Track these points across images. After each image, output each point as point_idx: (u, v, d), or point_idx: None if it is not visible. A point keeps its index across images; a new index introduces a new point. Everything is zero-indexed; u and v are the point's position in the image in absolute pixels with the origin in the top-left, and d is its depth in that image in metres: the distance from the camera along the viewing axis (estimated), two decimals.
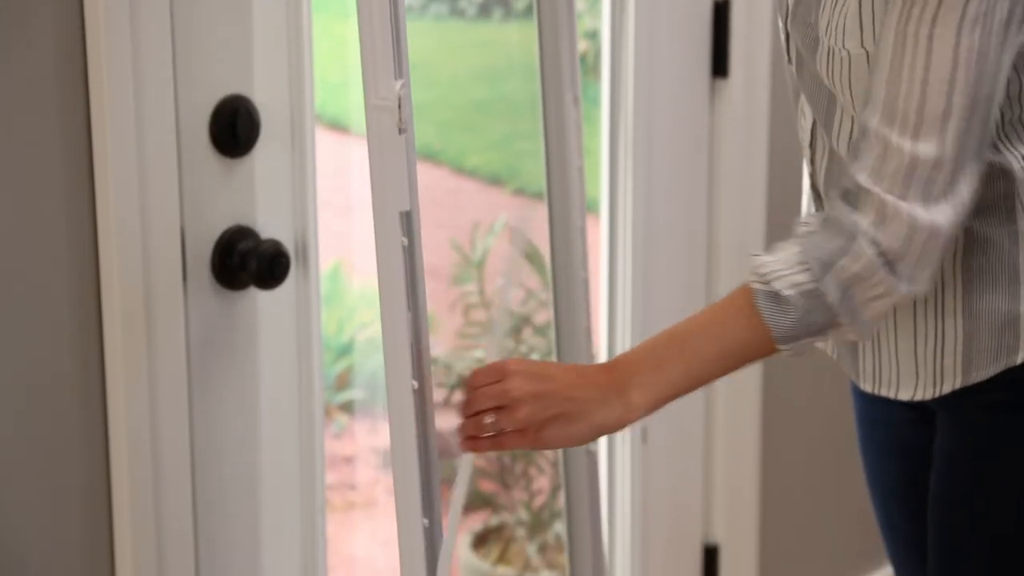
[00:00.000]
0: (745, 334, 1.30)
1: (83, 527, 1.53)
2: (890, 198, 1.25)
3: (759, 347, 1.31)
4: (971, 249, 1.36)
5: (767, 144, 2.25)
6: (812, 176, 1.48)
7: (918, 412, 1.50)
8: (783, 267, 1.28)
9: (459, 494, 1.30)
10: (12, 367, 1.46)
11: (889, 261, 1.26)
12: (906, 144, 1.24)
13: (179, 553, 1.59)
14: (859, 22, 1.29)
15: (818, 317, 1.29)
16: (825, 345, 1.54)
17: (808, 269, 1.28)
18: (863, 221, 1.26)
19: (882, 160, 1.26)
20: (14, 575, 1.49)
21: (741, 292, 1.30)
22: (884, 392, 1.44)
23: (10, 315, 1.46)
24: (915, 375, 1.42)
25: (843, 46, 1.31)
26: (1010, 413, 1.39)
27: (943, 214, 1.26)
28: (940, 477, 1.45)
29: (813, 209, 1.52)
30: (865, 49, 1.30)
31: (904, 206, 1.25)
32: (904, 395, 1.43)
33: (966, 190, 1.27)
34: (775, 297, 1.28)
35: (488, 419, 1.31)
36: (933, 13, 1.22)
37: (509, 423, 1.30)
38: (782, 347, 1.30)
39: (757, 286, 1.29)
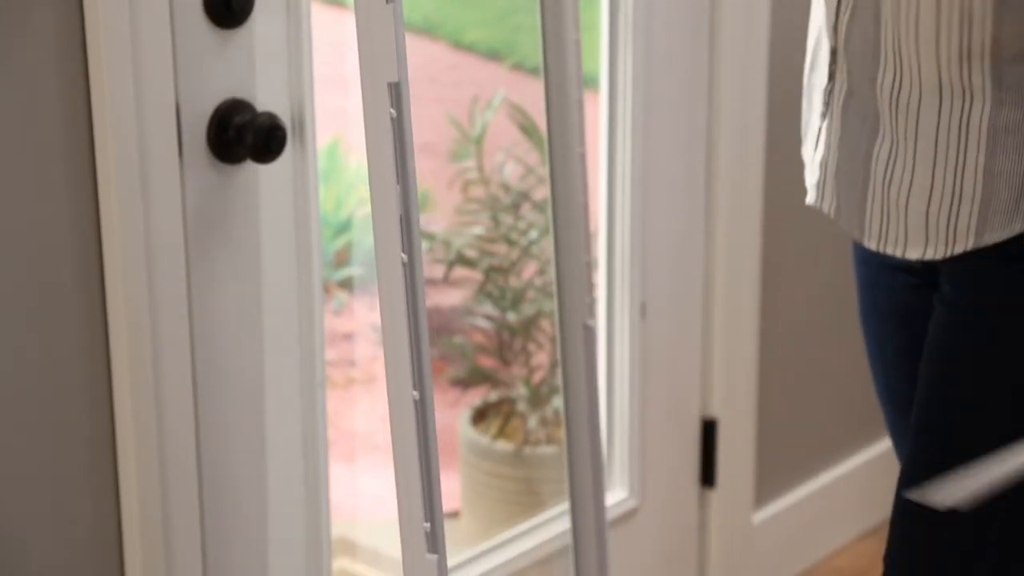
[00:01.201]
0: None
1: (83, 384, 1.54)
2: None
3: None
4: (999, 108, 1.35)
5: (769, 15, 2.22)
6: (834, 28, 1.45)
7: (922, 278, 1.50)
8: None
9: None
10: (10, 240, 1.46)
11: None
12: None
13: (178, 426, 1.60)
14: None
15: None
16: (828, 205, 1.52)
17: None
18: None
19: None
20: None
21: None
22: (890, 250, 1.43)
23: (6, 186, 1.45)
24: (925, 234, 1.41)
25: None
26: (1021, 264, 1.39)
27: None
28: (940, 323, 1.45)
29: (827, 65, 1.49)
30: None
31: None
32: (913, 254, 1.43)
33: None
34: None
35: None
36: None
37: None
38: None
39: None
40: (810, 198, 1.54)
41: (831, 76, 1.49)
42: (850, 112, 1.45)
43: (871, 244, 1.46)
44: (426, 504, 1.27)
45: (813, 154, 1.53)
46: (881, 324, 1.59)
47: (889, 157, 1.42)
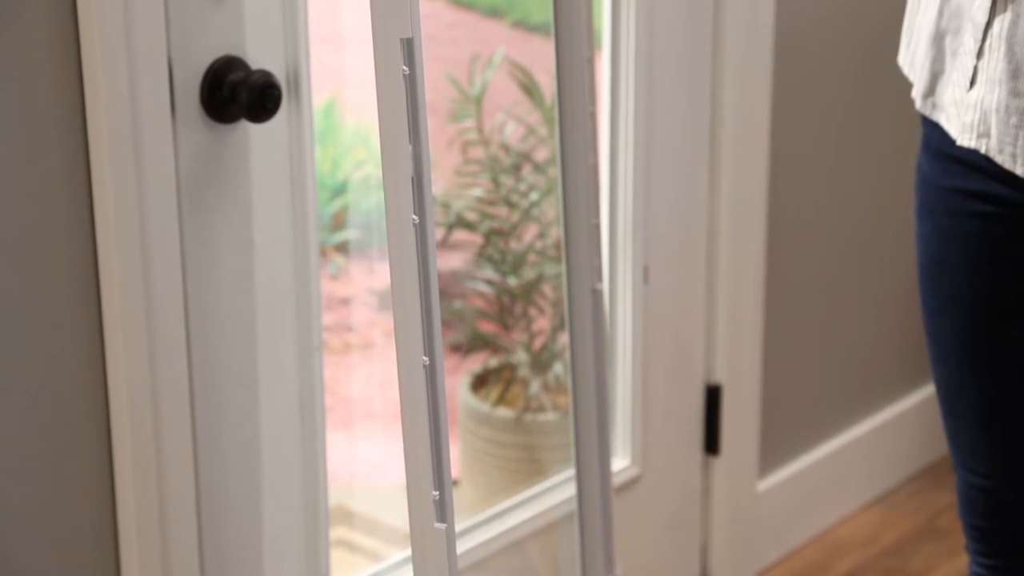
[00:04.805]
0: None
1: (75, 346, 1.52)
2: None
3: None
4: None
5: None
6: None
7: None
8: None
9: None
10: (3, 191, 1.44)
11: None
12: None
13: (173, 390, 1.58)
14: None
15: None
16: (986, 143, 1.49)
17: None
18: None
19: None
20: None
21: None
22: None
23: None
24: None
25: None
26: None
27: None
28: None
29: (985, 4, 1.46)
30: None
31: None
32: None
33: None
34: None
35: None
36: None
37: None
38: None
39: None
40: (964, 139, 1.51)
41: (991, 11, 1.46)
42: (1016, 41, 1.43)
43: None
44: (435, 472, 1.26)
45: (964, 95, 1.50)
46: (974, 277, 1.55)
47: None
